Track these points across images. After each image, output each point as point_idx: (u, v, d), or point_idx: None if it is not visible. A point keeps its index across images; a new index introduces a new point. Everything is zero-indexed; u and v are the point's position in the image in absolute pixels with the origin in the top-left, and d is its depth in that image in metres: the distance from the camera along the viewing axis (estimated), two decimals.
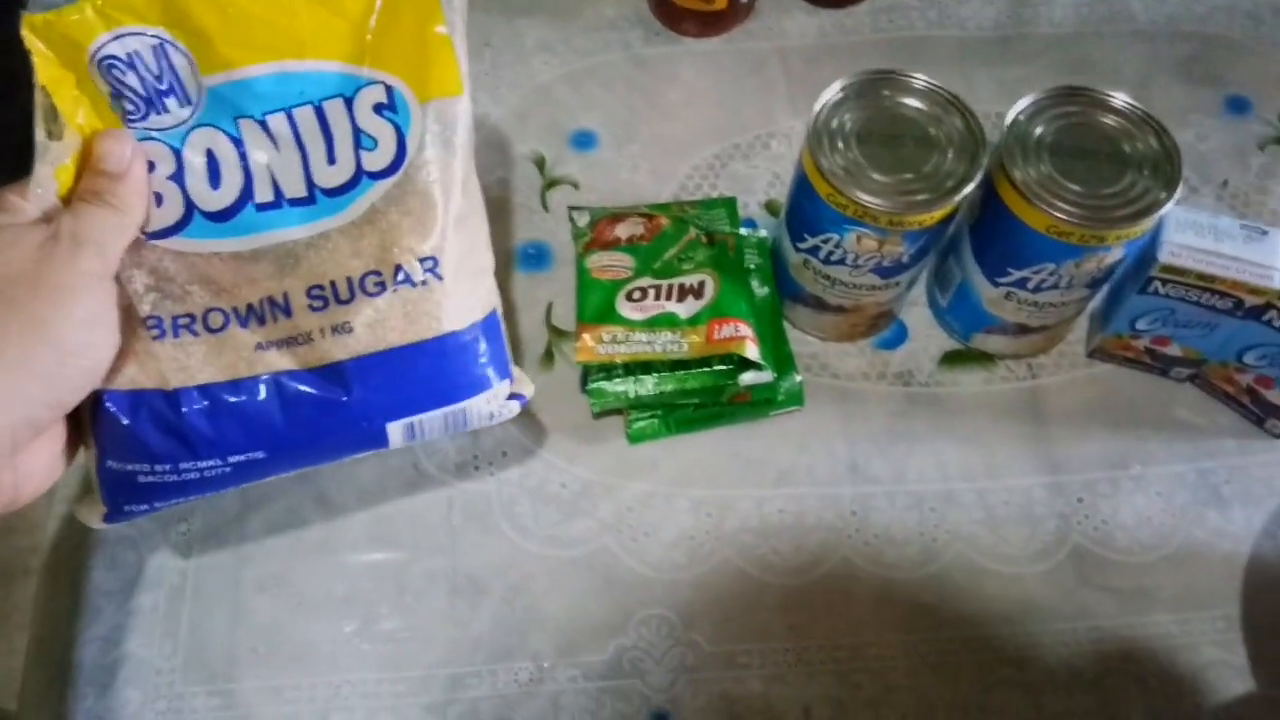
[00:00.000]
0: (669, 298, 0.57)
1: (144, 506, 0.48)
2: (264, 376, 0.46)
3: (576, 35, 0.72)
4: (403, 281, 0.47)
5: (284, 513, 0.56)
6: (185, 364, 0.46)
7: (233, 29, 0.45)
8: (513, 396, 0.51)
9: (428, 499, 0.56)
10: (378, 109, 0.47)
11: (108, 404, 0.45)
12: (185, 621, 0.53)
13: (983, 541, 0.56)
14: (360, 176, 0.47)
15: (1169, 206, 0.50)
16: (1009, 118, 0.53)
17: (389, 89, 0.47)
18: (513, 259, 0.64)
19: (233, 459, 0.47)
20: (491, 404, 0.50)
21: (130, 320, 0.45)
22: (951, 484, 0.58)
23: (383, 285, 0.47)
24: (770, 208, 0.66)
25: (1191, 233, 0.53)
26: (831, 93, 0.53)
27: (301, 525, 0.56)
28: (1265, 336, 0.55)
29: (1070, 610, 0.55)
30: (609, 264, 0.59)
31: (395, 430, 0.48)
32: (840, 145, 0.52)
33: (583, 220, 0.62)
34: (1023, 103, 0.53)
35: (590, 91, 0.70)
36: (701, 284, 0.57)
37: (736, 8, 0.71)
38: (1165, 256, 0.53)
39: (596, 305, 0.57)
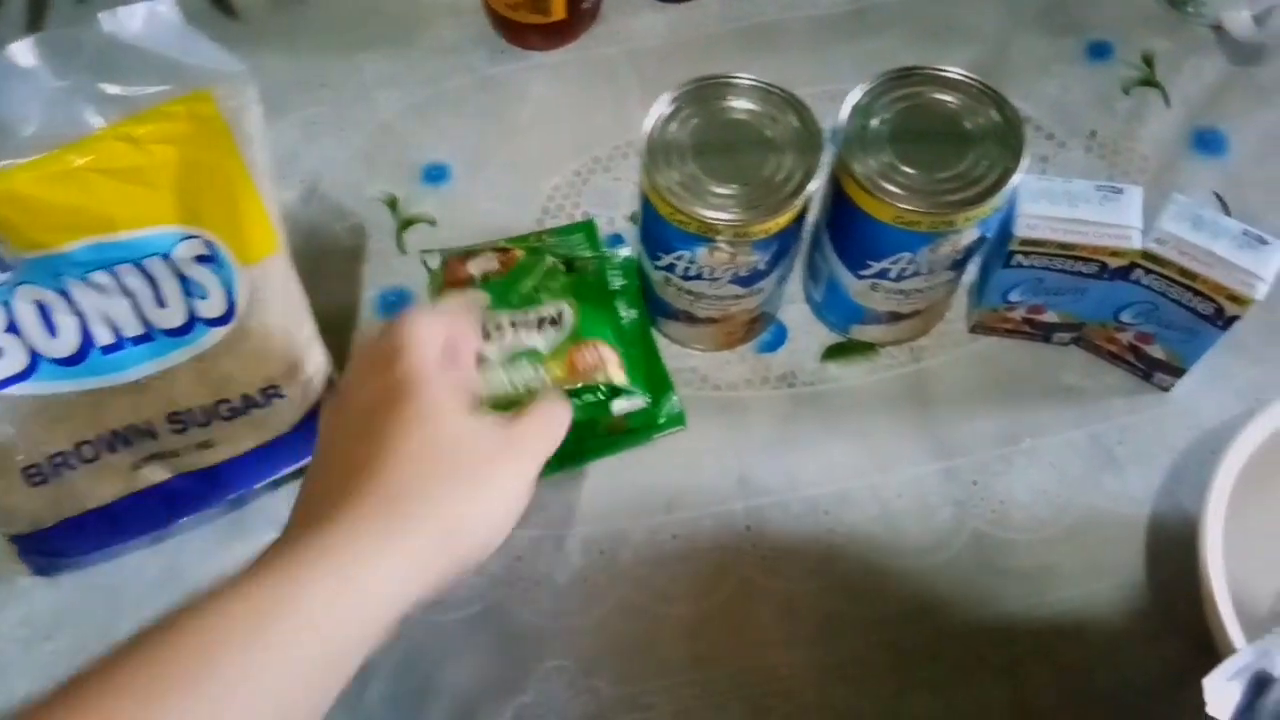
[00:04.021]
0: (527, 331, 0.55)
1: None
2: (145, 490, 0.51)
3: (418, 64, 0.69)
4: (250, 406, 0.51)
5: (155, 617, 0.53)
6: (74, 494, 0.50)
7: (38, 221, 0.47)
8: None
9: None
10: (201, 260, 0.49)
11: (27, 555, 0.52)
12: None
13: (880, 539, 0.55)
14: (195, 322, 0.50)
15: (1014, 181, 0.49)
16: (844, 109, 0.51)
17: (208, 243, 0.49)
18: (373, 308, 0.61)
19: (131, 540, 0.53)
20: None
21: (11, 473, 0.49)
22: (844, 484, 0.56)
23: (234, 411, 0.51)
24: (637, 220, 0.64)
25: (1046, 201, 0.52)
26: (661, 106, 0.51)
27: None
28: (1136, 295, 0.53)
29: (975, 598, 0.54)
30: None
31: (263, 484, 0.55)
32: (677, 160, 0.50)
33: (434, 262, 0.59)
34: (856, 93, 0.51)
35: (438, 121, 0.67)
36: (560, 313, 0.55)
37: (579, 15, 0.69)
38: (1021, 230, 0.51)
39: None
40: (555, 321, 0.54)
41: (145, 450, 0.51)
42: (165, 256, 0.48)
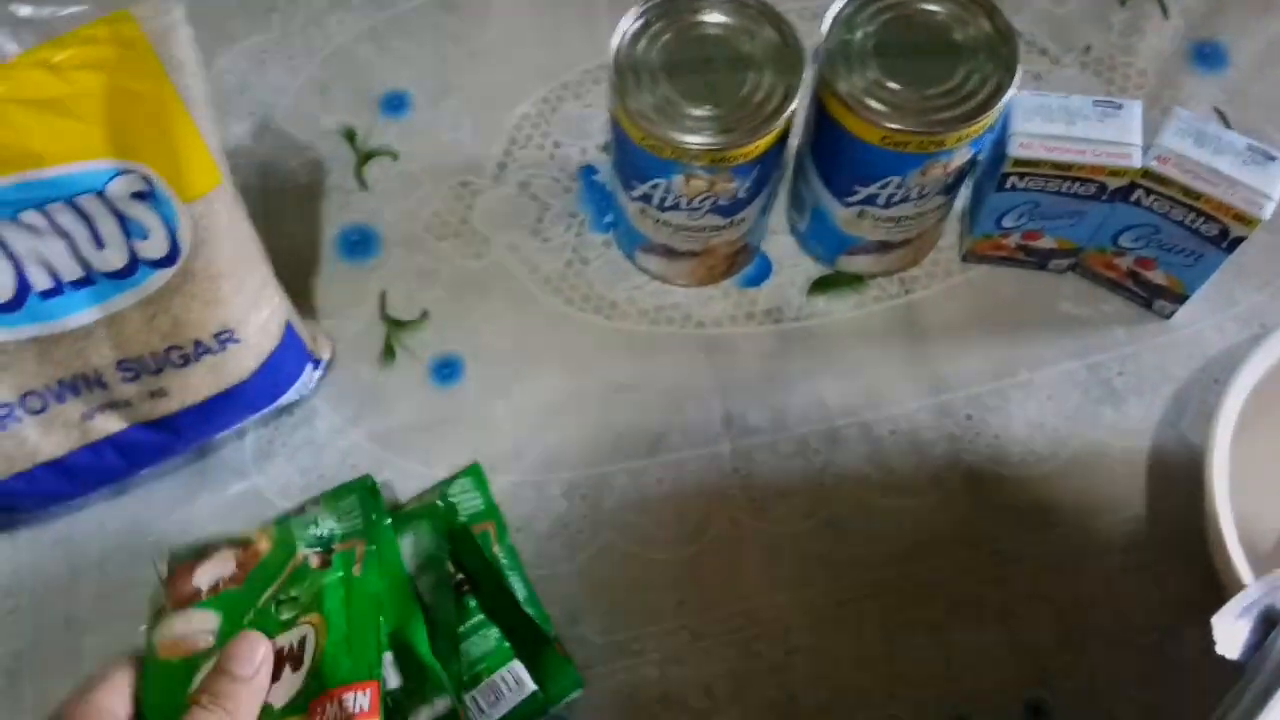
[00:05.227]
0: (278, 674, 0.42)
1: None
2: (99, 441, 0.49)
3: None
4: (204, 352, 0.48)
5: (118, 572, 0.51)
6: (23, 447, 0.48)
7: None
8: (315, 365, 0.53)
9: None
10: (138, 196, 0.46)
11: None
12: (29, 704, 0.49)
13: (872, 478, 0.53)
14: (137, 264, 0.47)
15: (1008, 96, 0.46)
16: (826, 22, 0.47)
17: (145, 178, 0.46)
18: (334, 247, 0.58)
19: (90, 493, 0.52)
20: (301, 387, 0.53)
21: None
22: (834, 421, 0.54)
23: (186, 358, 0.48)
24: (610, 149, 0.61)
25: (1040, 119, 0.49)
26: (629, 22, 0.48)
27: (140, 583, 0.51)
28: (1137, 217, 0.51)
29: (971, 537, 0.52)
30: (184, 632, 0.42)
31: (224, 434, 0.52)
32: (648, 81, 0.47)
33: (164, 569, 0.47)
34: (840, 3, 0.48)
35: (396, 47, 0.63)
36: (302, 642, 0.41)
37: None
38: (1015, 150, 0.48)
39: (162, 708, 0.40)
40: (296, 658, 0.41)
41: (96, 400, 0.48)
42: (99, 193, 0.45)
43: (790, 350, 0.56)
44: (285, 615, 0.42)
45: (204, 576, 0.44)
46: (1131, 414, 0.54)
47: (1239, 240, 0.49)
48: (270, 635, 0.41)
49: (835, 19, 0.47)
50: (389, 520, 0.47)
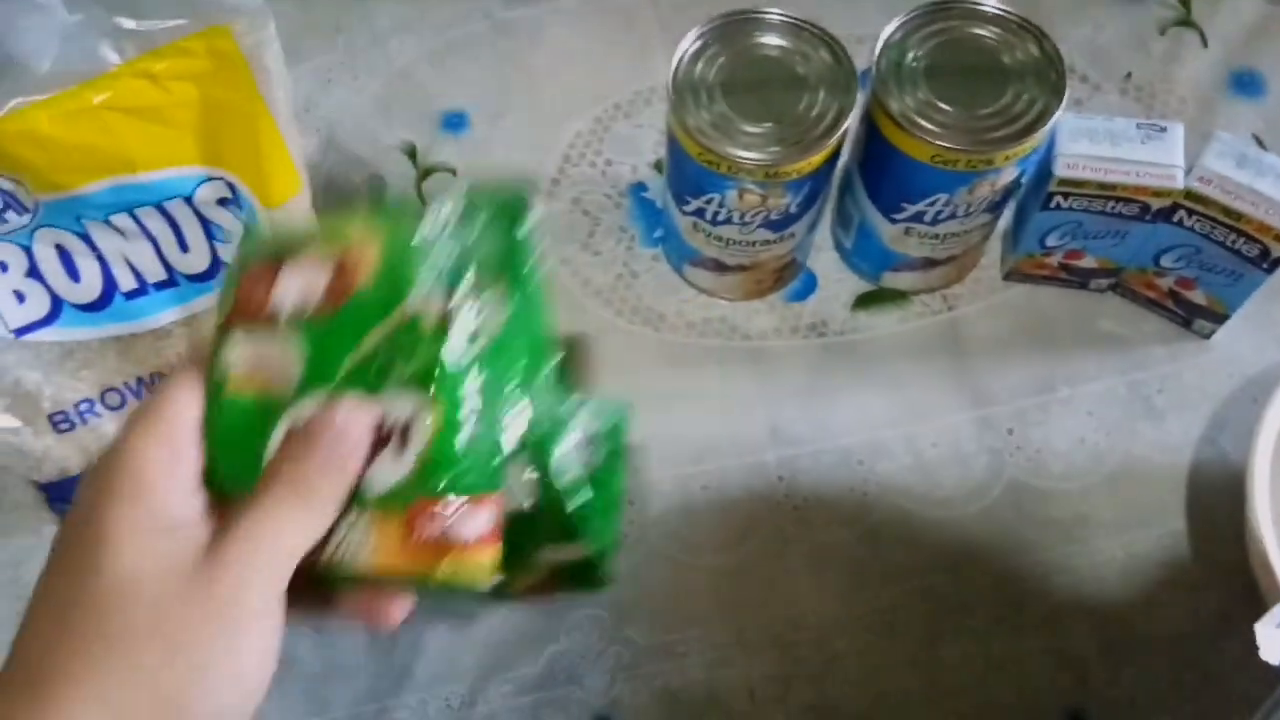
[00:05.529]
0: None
1: None
2: None
3: (432, 9, 0.67)
4: None
5: None
6: (102, 441, 0.49)
7: (57, 161, 0.45)
8: None
9: None
10: (223, 203, 0.48)
11: (56, 502, 0.51)
12: None
13: (915, 489, 0.54)
14: (219, 267, 0.48)
15: (1056, 117, 0.47)
16: (879, 44, 0.49)
17: (230, 185, 0.48)
18: None
19: None
20: None
21: (39, 419, 0.48)
22: (877, 433, 0.55)
23: None
24: (661, 167, 0.62)
25: (1086, 140, 0.50)
26: (688, 43, 0.50)
27: None
28: (1179, 237, 0.52)
29: (1012, 547, 0.53)
30: (259, 364, 0.31)
31: None
32: (705, 99, 0.49)
33: (248, 248, 0.34)
34: (891, 26, 0.50)
35: (455, 68, 0.66)
36: (409, 422, 0.30)
37: None
38: (1061, 170, 0.50)
39: (230, 455, 0.30)
40: (404, 436, 0.30)
41: None
42: (187, 199, 0.47)
43: (834, 364, 0.57)
44: (398, 369, 0.30)
45: (285, 290, 0.31)
46: (1171, 431, 0.55)
47: (1279, 261, 0.50)
48: (377, 394, 0.30)
49: (887, 42, 0.49)
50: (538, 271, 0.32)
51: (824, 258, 0.60)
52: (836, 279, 0.59)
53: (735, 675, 0.50)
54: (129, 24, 0.43)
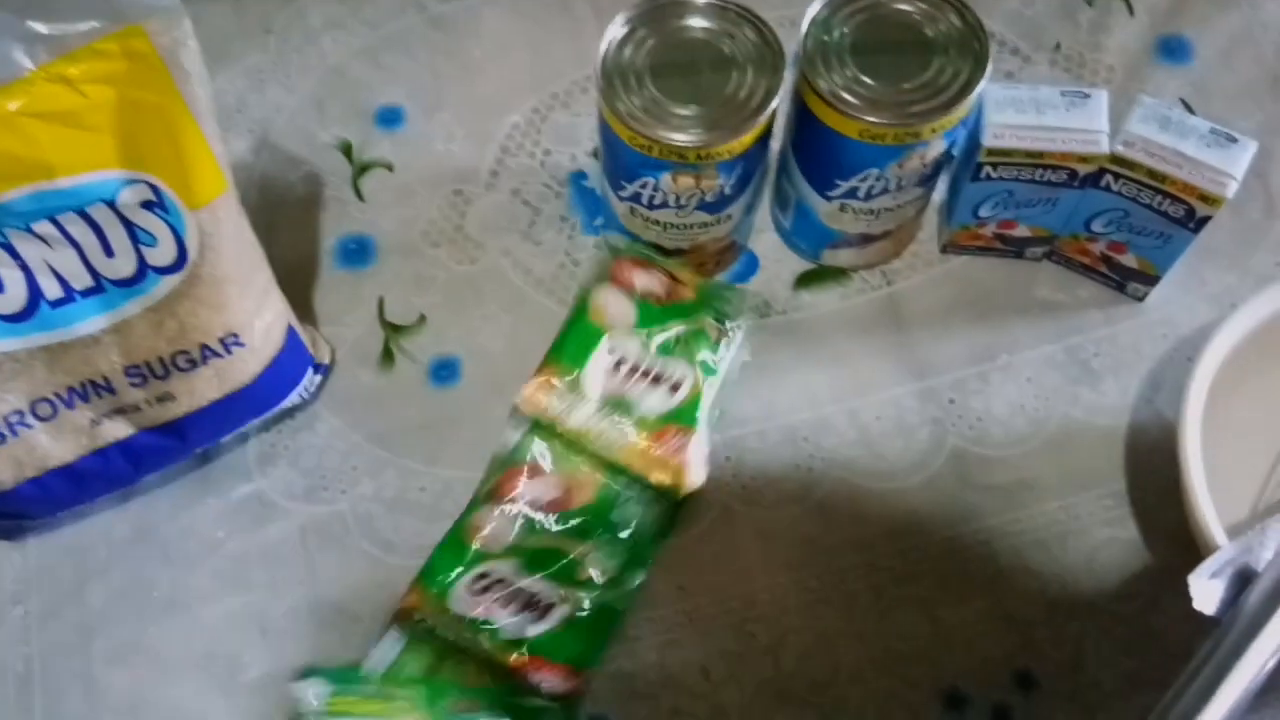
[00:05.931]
0: (645, 380, 0.52)
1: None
2: (107, 446, 0.50)
3: (365, 5, 0.67)
4: (210, 356, 0.50)
5: (125, 576, 0.52)
6: (34, 453, 0.49)
7: None
8: (316, 369, 0.55)
9: (278, 531, 0.53)
10: (147, 206, 0.47)
11: None
12: (39, 710, 0.50)
13: (860, 462, 0.55)
14: (146, 271, 0.48)
15: (980, 88, 0.48)
16: (804, 23, 0.49)
17: (153, 187, 0.47)
18: (332, 257, 0.60)
19: (97, 498, 0.53)
20: (303, 391, 0.55)
21: None
22: (821, 409, 0.56)
23: (193, 362, 0.50)
24: (599, 155, 0.62)
25: (1012, 110, 0.51)
26: (616, 28, 0.50)
27: (147, 586, 0.52)
28: (1107, 202, 0.53)
29: (955, 515, 0.53)
30: (612, 310, 0.53)
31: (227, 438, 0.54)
32: (635, 84, 0.49)
33: (615, 244, 0.56)
34: (817, 5, 0.50)
35: (389, 63, 0.65)
36: (681, 381, 0.51)
37: None
38: (988, 140, 0.50)
39: (574, 349, 0.52)
40: (675, 388, 0.51)
41: (105, 406, 0.49)
42: (109, 203, 0.46)
43: (777, 343, 0.58)
44: (678, 353, 0.52)
45: (642, 278, 0.53)
46: (1109, 393, 0.56)
47: (1205, 220, 0.51)
48: (665, 357, 0.52)
49: (813, 21, 0.50)
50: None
51: (765, 239, 0.60)
52: (777, 260, 0.60)
53: (688, 655, 0.51)
54: (41, 28, 0.42)
